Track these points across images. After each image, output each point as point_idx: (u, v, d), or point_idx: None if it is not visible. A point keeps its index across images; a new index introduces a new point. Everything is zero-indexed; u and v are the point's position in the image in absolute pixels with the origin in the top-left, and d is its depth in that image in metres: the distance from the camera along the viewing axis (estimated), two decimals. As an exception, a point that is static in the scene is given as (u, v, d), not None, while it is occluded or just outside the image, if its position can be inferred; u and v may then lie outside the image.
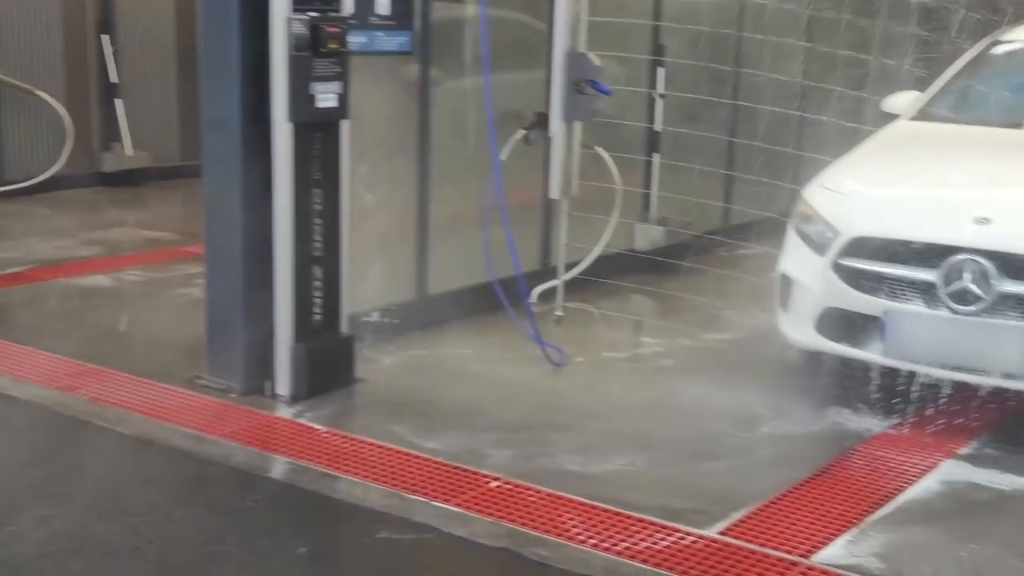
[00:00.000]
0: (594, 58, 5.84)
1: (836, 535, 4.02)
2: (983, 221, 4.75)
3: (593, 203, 6.57)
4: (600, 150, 6.38)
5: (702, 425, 5.02)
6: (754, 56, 7.97)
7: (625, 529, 4.00)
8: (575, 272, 6.50)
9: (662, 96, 7.38)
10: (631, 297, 7.07)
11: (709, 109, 7.77)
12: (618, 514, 4.10)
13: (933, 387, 5.09)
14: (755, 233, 7.30)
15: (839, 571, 3.76)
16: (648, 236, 7.42)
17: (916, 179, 5.33)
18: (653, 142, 7.48)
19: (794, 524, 4.10)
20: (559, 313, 6.22)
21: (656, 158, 7.47)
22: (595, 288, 6.74)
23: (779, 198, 6.90)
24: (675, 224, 7.51)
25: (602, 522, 4.05)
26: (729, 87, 8.04)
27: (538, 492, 4.28)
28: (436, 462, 4.53)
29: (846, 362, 5.30)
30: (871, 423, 5.05)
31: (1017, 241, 4.64)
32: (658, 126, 7.42)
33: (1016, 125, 5.79)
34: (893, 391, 5.17)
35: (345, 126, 5.12)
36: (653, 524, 4.04)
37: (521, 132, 6.04)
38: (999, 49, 6.40)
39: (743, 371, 5.73)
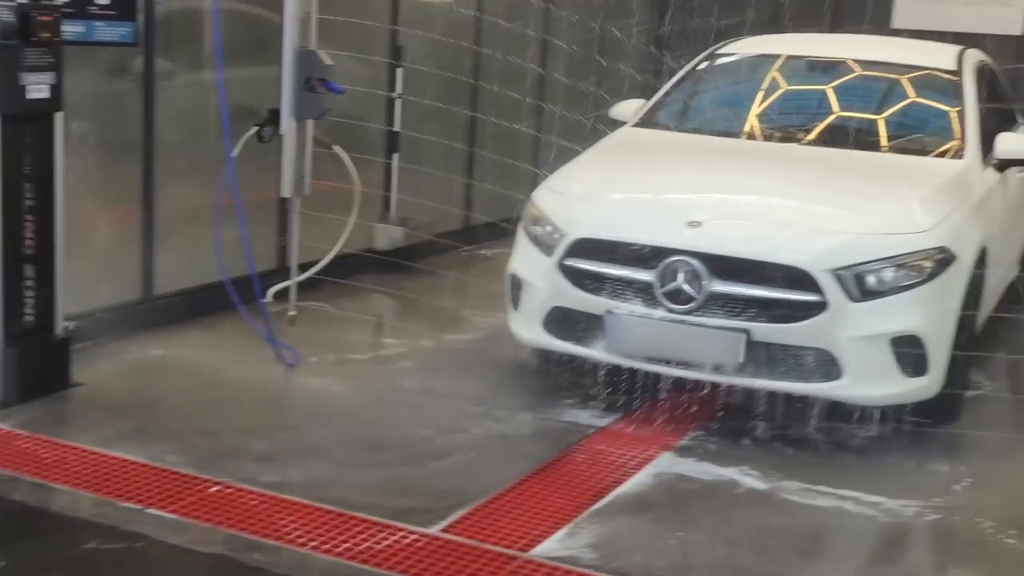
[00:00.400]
0: (325, 57, 5.78)
1: (554, 529, 4.13)
2: (695, 224, 4.98)
3: (333, 203, 6.53)
4: (338, 149, 6.34)
5: (431, 424, 5.05)
6: (493, 61, 8.09)
7: (347, 530, 3.99)
8: (312, 272, 6.43)
9: (400, 97, 7.40)
10: (371, 297, 7.06)
11: (449, 111, 7.84)
12: (340, 515, 4.08)
13: (653, 383, 5.31)
14: (495, 234, 7.42)
15: (554, 563, 3.86)
16: (388, 236, 7.43)
17: (636, 184, 5.55)
18: (392, 143, 7.49)
19: (515, 520, 4.18)
20: (292, 313, 6.15)
21: (395, 159, 7.48)
22: (334, 288, 6.69)
23: (518, 201, 7.04)
24: (414, 225, 7.54)
25: (324, 524, 4.02)
26: (468, 90, 8.13)
27: (260, 496, 4.20)
28: (153, 468, 4.38)
29: (574, 360, 5.46)
30: (594, 419, 5.21)
31: (725, 243, 4.89)
32: (397, 127, 7.43)
33: (729, 134, 6.10)
34: (616, 387, 5.36)
35: (59, 118, 4.89)
36: (376, 524, 4.04)
37: (254, 128, 5.93)
38: (717, 61, 6.74)
39: (477, 371, 5.81)
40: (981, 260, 5.36)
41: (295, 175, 5.86)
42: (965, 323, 5.24)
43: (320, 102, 5.79)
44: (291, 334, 5.96)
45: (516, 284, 5.47)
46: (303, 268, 6.27)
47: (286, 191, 5.94)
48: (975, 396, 5.62)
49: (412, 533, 4.00)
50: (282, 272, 6.48)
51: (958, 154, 5.73)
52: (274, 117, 5.87)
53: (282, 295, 6.29)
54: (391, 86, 7.47)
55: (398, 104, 7.42)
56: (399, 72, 7.38)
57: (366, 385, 5.56)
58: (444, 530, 4.05)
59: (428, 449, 4.80)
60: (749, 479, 4.64)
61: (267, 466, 4.50)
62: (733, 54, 6.81)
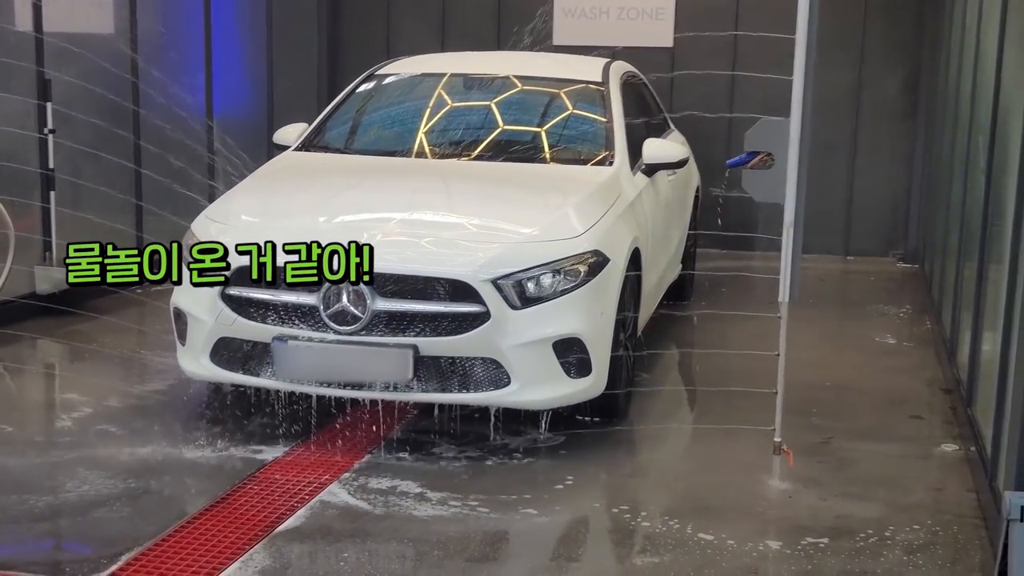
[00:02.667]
0: None
1: (227, 563, 4.02)
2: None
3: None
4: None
5: (102, 470, 4.82)
6: (153, 87, 7.84)
7: (-2, 593, 3.74)
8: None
9: (52, 132, 7.04)
10: (36, 344, 6.67)
11: (112, 142, 7.52)
12: (-10, 578, 3.83)
13: (330, 407, 5.27)
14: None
15: (223, 600, 3.76)
16: (50, 279, 7.04)
17: (296, 207, 5.48)
18: (48, 181, 7.11)
19: (185, 558, 4.05)
20: None
21: (52, 197, 7.11)
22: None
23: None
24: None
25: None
26: (130, 119, 7.83)
27: None
28: None
29: (250, 391, 5.35)
30: (272, 449, 5.11)
31: (385, 263, 4.89)
32: (51, 164, 7.07)
33: (394, 153, 6.15)
34: (292, 416, 5.29)
35: None
36: (31, 582, 3.81)
37: None
38: (377, 81, 6.77)
39: (148, 411, 5.58)
40: (636, 261, 5.63)
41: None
42: (626, 323, 5.49)
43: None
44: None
45: (180, 317, 5.31)
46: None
47: None
48: (643, 392, 5.88)
49: (73, 586, 3.79)
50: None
51: (608, 161, 6.00)
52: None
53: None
54: (41, 122, 7.09)
55: (50, 140, 7.06)
56: (48, 107, 7.01)
57: (36, 435, 5.25)
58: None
59: (89, 498, 4.57)
60: (422, 493, 4.67)
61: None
62: (396, 74, 6.87)
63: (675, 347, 7.00)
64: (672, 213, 6.89)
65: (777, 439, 5.03)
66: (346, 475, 4.86)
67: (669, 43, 9.81)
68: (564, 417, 5.31)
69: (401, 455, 5.07)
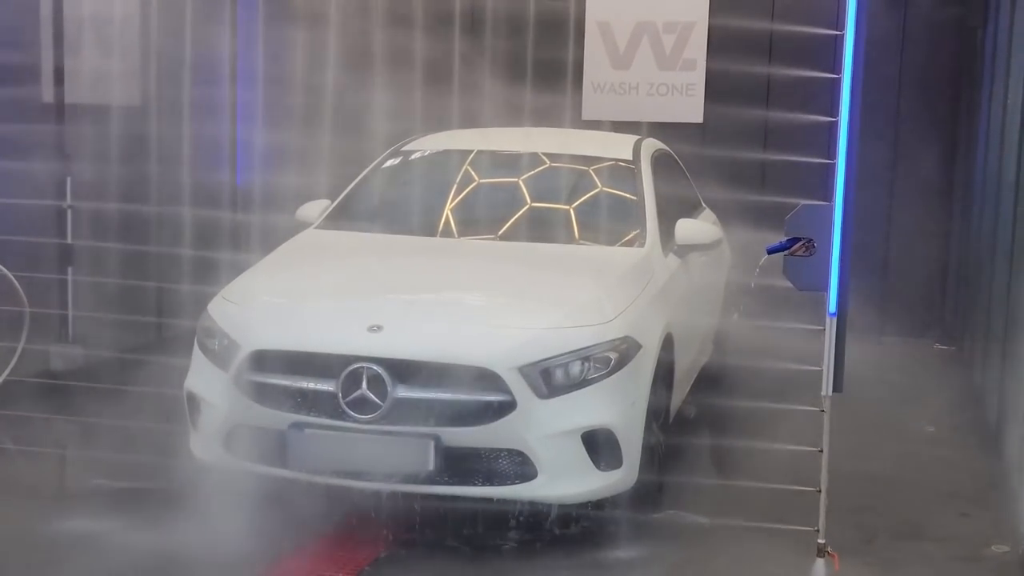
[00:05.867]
0: None
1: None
2: (376, 329, 4.77)
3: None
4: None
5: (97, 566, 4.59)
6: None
7: None
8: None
9: (70, 207, 6.92)
10: (53, 426, 6.44)
11: (132, 217, 7.39)
12: None
13: (346, 499, 5.02)
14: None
15: None
16: (65, 357, 6.87)
17: (316, 289, 5.28)
18: (65, 256, 6.97)
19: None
20: None
21: (70, 272, 6.97)
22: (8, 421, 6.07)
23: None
24: (95, 343, 7.01)
25: None
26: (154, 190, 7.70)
27: None
28: None
29: (267, 480, 5.09)
30: (286, 542, 4.87)
31: (406, 347, 4.70)
32: (68, 238, 6.94)
33: (417, 232, 5.96)
34: (309, 507, 5.04)
35: None
36: None
37: None
38: (402, 158, 6.61)
39: (167, 503, 5.28)
40: (668, 346, 5.40)
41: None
42: (658, 411, 5.25)
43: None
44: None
45: (193, 403, 5.10)
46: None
47: None
48: (661, 482, 5.60)
49: None
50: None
51: (639, 242, 5.79)
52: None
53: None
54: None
55: (69, 214, 6.93)
56: (68, 181, 6.90)
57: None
58: None
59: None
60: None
61: None
62: (420, 150, 6.71)
63: (708, 436, 6.72)
64: (705, 295, 6.67)
65: (821, 540, 4.76)
66: (367, 568, 4.61)
67: (699, 119, 9.65)
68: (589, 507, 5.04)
69: (421, 551, 4.83)
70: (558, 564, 4.75)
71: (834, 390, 4.70)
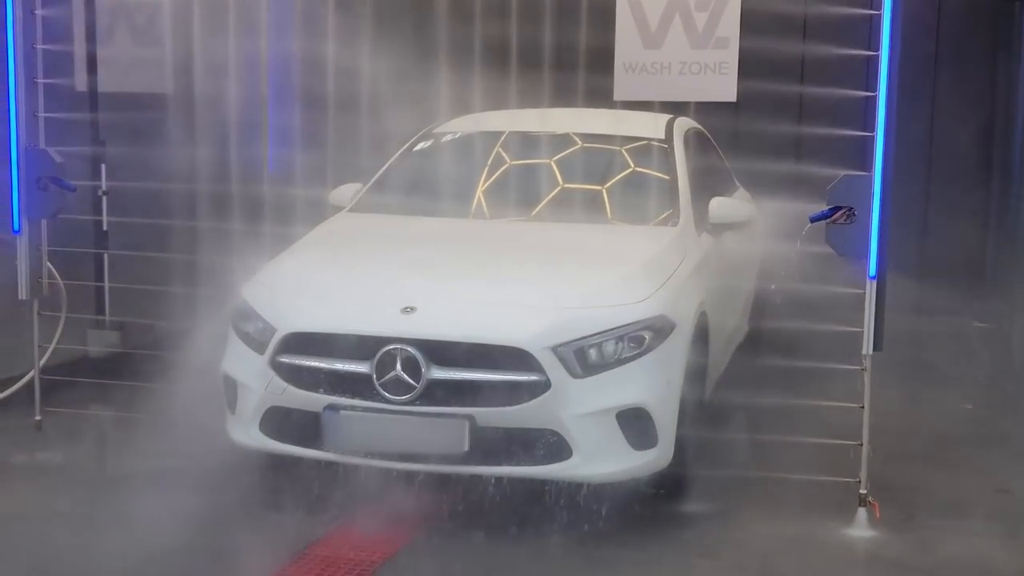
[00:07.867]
0: (55, 155, 5.68)
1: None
2: (409, 310, 4.78)
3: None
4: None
5: (142, 548, 4.63)
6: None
7: None
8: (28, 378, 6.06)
9: (105, 193, 6.97)
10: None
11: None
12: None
13: (382, 479, 5.03)
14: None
15: None
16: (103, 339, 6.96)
17: (350, 271, 5.29)
18: (100, 240, 7.03)
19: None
20: (38, 418, 5.86)
21: (106, 257, 7.03)
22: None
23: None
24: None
25: None
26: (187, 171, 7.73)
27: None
28: None
29: (302, 462, 5.11)
30: (324, 522, 4.89)
31: (440, 328, 4.71)
32: (104, 224, 6.99)
33: (451, 214, 5.95)
34: (345, 487, 5.06)
35: None
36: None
37: None
38: (433, 140, 6.61)
39: (204, 482, 5.32)
40: (703, 325, 5.37)
41: (31, 277, 5.75)
42: (693, 390, 5.22)
43: (53, 200, 5.76)
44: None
45: (230, 385, 5.13)
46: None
47: (24, 292, 5.78)
48: (709, 463, 5.58)
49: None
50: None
51: (673, 221, 5.77)
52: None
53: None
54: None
55: (104, 199, 6.99)
56: (102, 167, 6.95)
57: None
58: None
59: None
60: None
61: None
62: (452, 132, 6.70)
63: (742, 413, 6.66)
64: (739, 273, 6.63)
65: (863, 491, 4.96)
66: (397, 553, 4.63)
67: (732, 98, 9.57)
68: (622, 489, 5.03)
69: (454, 532, 4.83)
70: (589, 548, 4.74)
71: (875, 349, 4.89)
